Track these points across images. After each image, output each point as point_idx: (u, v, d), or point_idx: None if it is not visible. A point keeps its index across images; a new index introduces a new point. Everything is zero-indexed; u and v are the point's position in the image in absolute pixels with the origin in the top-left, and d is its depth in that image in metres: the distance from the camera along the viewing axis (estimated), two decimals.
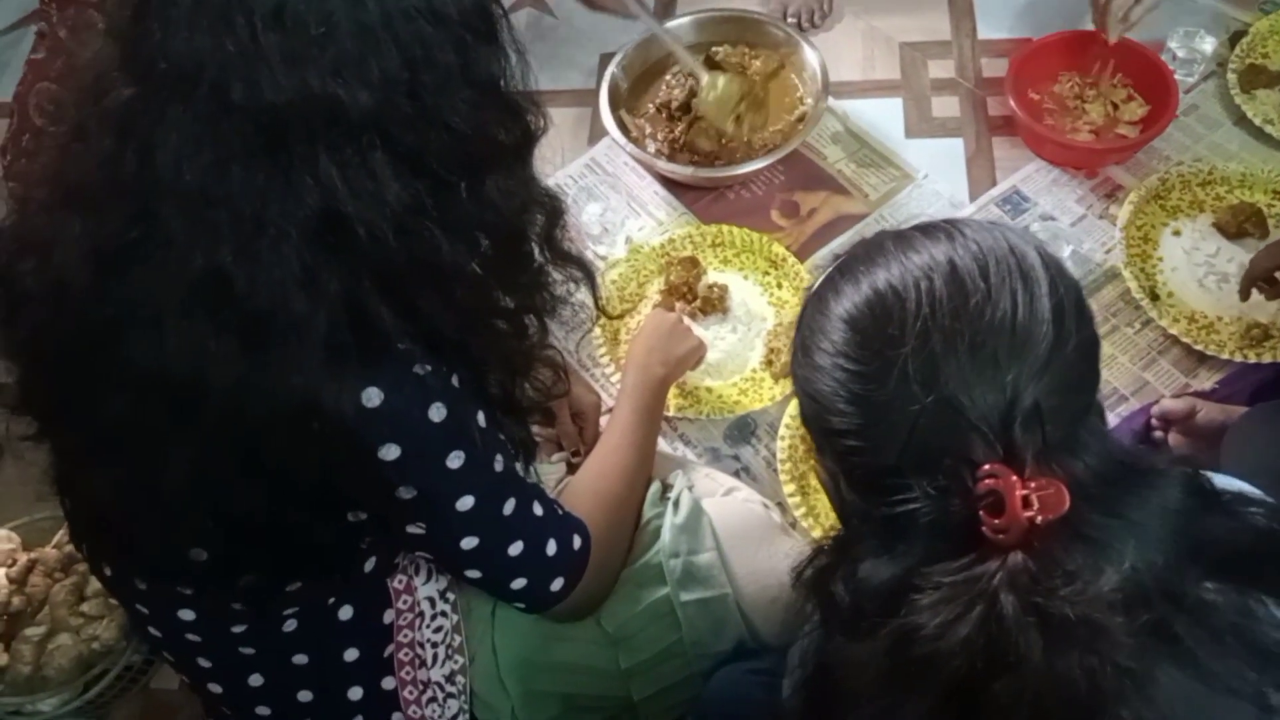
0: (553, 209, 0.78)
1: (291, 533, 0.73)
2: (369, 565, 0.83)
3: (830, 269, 0.68)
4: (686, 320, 1.24)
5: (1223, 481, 0.66)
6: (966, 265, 0.60)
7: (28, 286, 0.70)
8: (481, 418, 0.78)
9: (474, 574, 0.84)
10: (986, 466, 0.56)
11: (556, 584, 0.86)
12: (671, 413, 1.29)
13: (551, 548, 0.85)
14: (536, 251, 0.78)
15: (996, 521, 0.55)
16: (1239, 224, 1.35)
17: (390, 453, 0.71)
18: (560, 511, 0.87)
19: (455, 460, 0.75)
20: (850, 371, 0.61)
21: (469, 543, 0.80)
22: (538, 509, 0.84)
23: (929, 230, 0.65)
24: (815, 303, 0.66)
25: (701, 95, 1.49)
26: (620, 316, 1.36)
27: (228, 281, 0.63)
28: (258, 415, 0.66)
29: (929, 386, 0.57)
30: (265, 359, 0.65)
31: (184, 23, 0.61)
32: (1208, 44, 1.52)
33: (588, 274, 0.83)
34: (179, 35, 0.61)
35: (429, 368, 0.72)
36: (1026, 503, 0.54)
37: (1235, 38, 1.54)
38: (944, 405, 0.57)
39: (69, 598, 1.18)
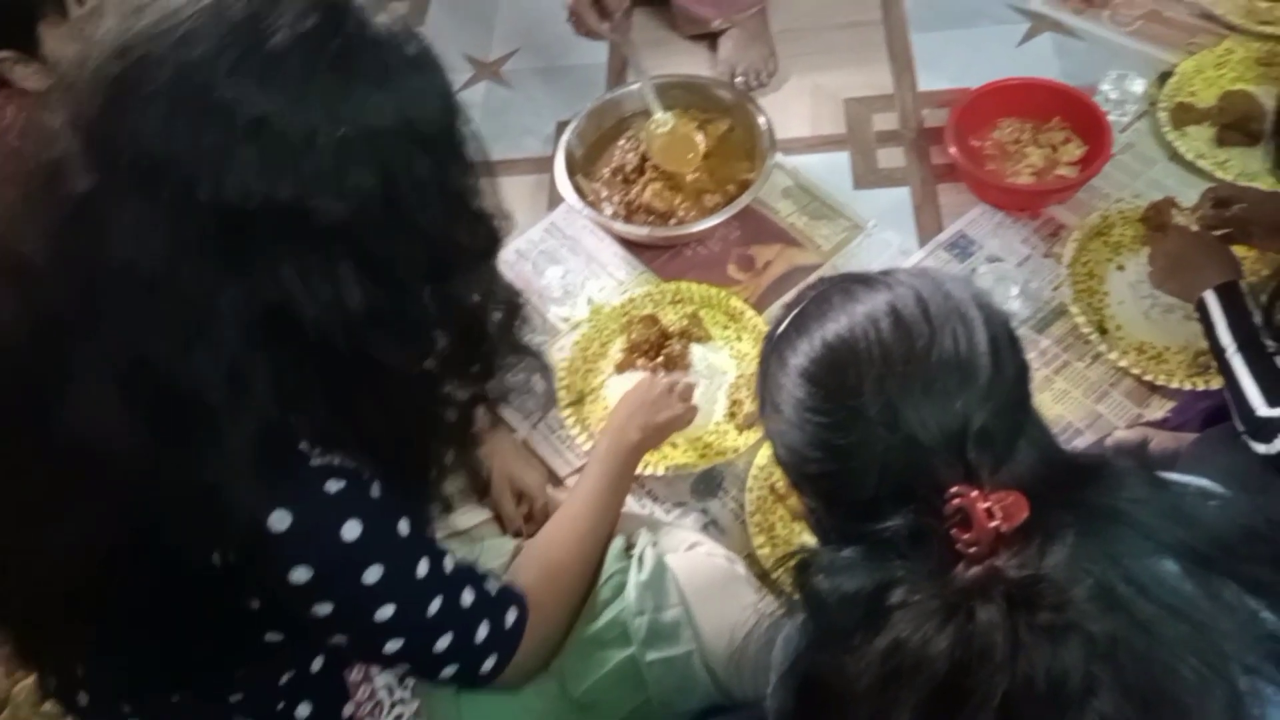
0: (512, 305, 0.79)
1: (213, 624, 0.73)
2: (317, 664, 0.83)
3: (783, 323, 0.72)
4: (685, 381, 1.24)
5: (1180, 478, 0.70)
6: (909, 311, 0.65)
7: None
8: (405, 525, 0.76)
9: (403, 667, 0.84)
10: (953, 489, 0.60)
11: (488, 664, 0.85)
12: (638, 470, 1.30)
13: (482, 633, 0.84)
14: (492, 344, 0.79)
15: (966, 536, 0.59)
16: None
17: (301, 575, 0.70)
18: (493, 592, 0.86)
19: (373, 575, 0.74)
20: (817, 423, 0.66)
21: (393, 646, 0.79)
22: (467, 598, 0.82)
23: (868, 281, 0.69)
24: (774, 359, 0.70)
25: (648, 129, 1.55)
26: (571, 405, 1.36)
27: (155, 369, 0.63)
28: (166, 500, 0.65)
29: (891, 426, 0.63)
30: (181, 452, 0.64)
31: (159, 118, 0.60)
32: (1138, 85, 1.58)
33: (543, 367, 0.84)
34: (152, 130, 0.60)
35: (343, 483, 0.71)
36: (990, 514, 0.58)
37: (1164, 78, 1.61)
38: (906, 440, 0.62)
39: (31, 696, 1.16)
